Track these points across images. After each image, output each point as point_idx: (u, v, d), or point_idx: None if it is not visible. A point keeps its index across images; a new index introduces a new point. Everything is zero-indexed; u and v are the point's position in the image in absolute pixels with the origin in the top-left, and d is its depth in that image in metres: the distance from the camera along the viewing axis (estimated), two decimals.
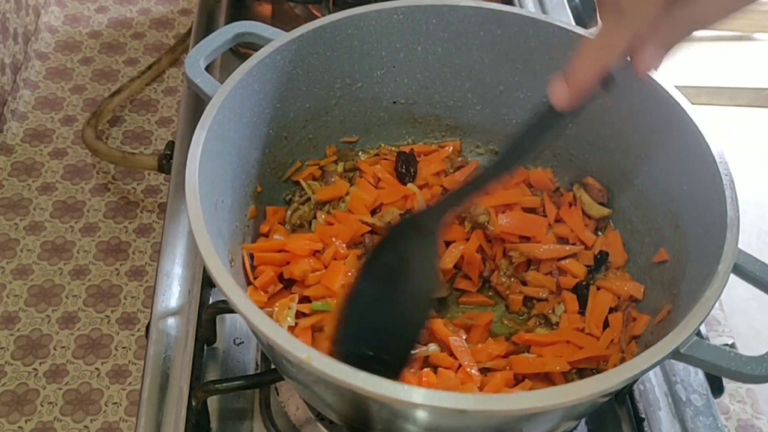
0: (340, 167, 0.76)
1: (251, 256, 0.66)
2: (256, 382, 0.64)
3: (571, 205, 0.73)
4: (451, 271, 0.70)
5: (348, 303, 0.57)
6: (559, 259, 0.69)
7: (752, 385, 0.93)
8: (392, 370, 0.56)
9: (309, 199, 0.73)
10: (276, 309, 0.62)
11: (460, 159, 0.78)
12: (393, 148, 0.78)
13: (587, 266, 0.69)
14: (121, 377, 1.06)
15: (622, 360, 0.61)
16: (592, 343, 0.64)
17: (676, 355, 0.49)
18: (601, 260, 0.69)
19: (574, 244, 0.71)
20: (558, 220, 0.72)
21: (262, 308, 0.62)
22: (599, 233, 0.73)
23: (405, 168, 0.75)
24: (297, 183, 0.75)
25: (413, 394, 0.43)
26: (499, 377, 0.60)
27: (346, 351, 0.55)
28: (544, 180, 0.75)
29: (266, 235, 0.69)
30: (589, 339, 0.64)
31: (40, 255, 1.18)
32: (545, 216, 0.72)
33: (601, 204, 0.72)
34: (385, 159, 0.77)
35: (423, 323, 0.60)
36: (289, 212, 0.72)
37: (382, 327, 0.57)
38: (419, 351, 0.62)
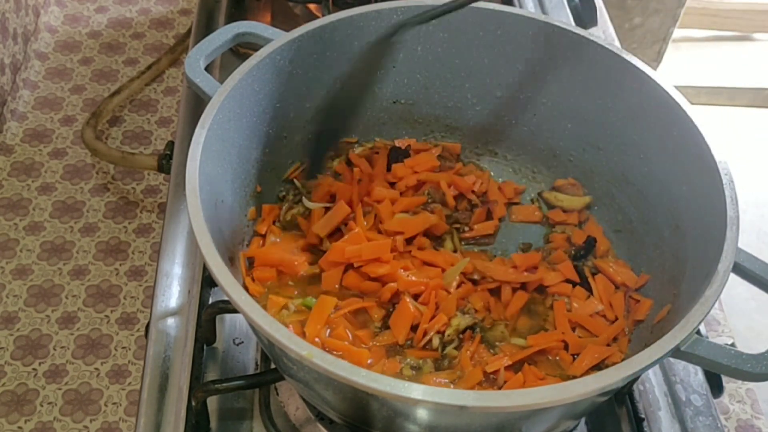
0: (336, 162, 0.76)
1: (248, 261, 0.66)
2: (256, 382, 0.64)
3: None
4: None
5: None
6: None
7: (752, 384, 0.93)
8: None
9: (302, 197, 0.73)
10: (272, 301, 0.62)
11: (458, 165, 0.78)
12: (388, 142, 0.78)
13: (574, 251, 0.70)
14: (120, 377, 1.06)
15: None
16: (605, 327, 0.64)
17: (677, 353, 0.49)
18: (589, 246, 0.70)
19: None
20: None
21: (259, 300, 0.63)
22: (581, 227, 0.73)
23: (396, 161, 0.75)
24: (291, 181, 0.75)
25: (413, 390, 0.43)
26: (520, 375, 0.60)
27: None
28: (508, 191, 0.76)
29: (263, 235, 0.69)
30: (600, 326, 0.65)
31: (40, 255, 1.18)
32: None
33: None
34: (377, 153, 0.76)
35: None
36: (282, 210, 0.72)
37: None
38: None
